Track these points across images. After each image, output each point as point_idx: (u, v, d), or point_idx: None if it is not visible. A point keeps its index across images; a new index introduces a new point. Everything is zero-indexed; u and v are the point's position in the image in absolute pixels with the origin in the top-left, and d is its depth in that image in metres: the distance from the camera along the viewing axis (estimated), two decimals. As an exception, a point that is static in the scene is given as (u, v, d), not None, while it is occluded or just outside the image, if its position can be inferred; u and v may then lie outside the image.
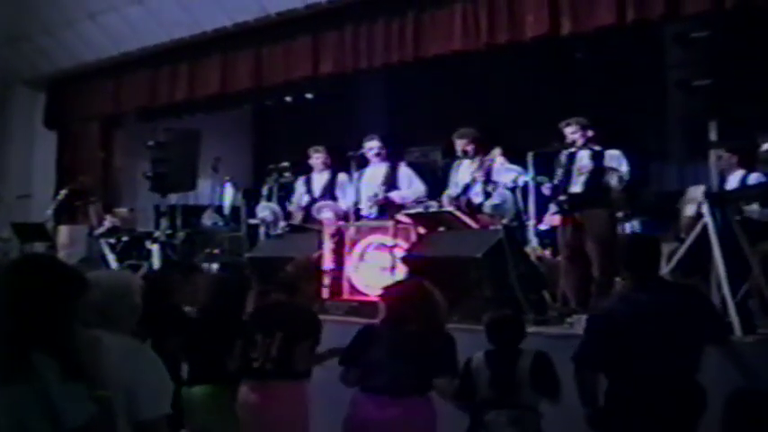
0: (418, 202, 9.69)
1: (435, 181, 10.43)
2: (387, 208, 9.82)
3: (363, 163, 10.28)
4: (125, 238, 12.53)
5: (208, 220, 13.25)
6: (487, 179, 9.17)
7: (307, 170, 11.01)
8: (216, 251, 12.13)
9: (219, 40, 13.26)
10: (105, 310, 3.75)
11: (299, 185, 10.92)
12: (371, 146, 10.11)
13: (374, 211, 9.87)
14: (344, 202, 10.28)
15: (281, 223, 10.68)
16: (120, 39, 14.03)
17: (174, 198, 12.73)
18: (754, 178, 8.31)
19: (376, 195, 9.89)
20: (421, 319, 5.38)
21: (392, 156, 10.31)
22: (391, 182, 9.99)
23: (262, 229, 11.09)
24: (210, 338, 6.06)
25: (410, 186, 9.96)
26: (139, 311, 3.93)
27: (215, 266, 11.56)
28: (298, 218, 10.74)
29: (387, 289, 5.89)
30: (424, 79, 12.65)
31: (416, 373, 5.27)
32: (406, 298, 5.52)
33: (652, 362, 4.86)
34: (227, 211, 13.23)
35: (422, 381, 5.29)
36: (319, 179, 10.73)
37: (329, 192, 10.55)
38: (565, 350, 5.33)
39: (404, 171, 10.09)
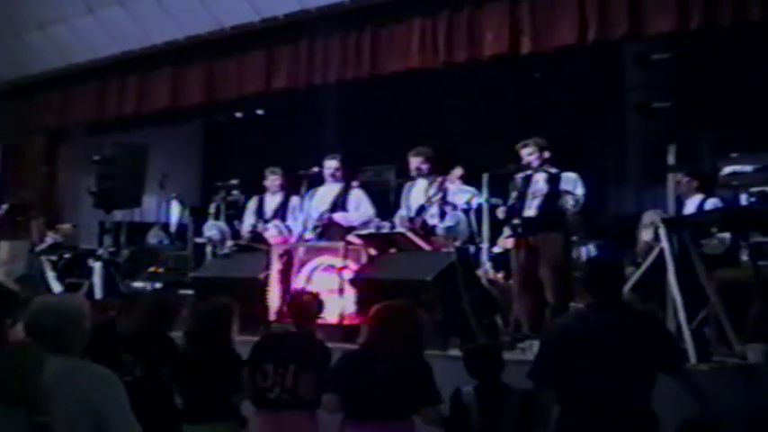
0: (365, 224, 9.65)
1: (389, 201, 10.34)
2: (330, 230, 9.76)
3: (316, 182, 10.21)
4: (67, 256, 12.34)
5: (153, 237, 13.11)
6: (445, 201, 9.15)
7: (257, 188, 10.91)
8: (160, 270, 11.96)
9: (170, 53, 13.15)
10: (57, 334, 3.82)
11: (250, 207, 10.84)
12: (329, 165, 10.05)
13: (315, 232, 9.81)
14: (295, 225, 10.21)
15: (229, 242, 10.58)
16: (69, 50, 13.90)
17: (118, 215, 12.56)
18: (711, 204, 8.28)
19: (321, 216, 9.81)
20: (397, 343, 5.36)
21: (346, 175, 10.23)
22: (340, 203, 9.93)
23: (208, 248, 10.99)
24: (208, 372, 5.94)
25: (358, 209, 9.89)
26: (89, 336, 4.00)
27: (158, 285, 11.38)
28: (246, 240, 10.62)
29: (370, 312, 5.84)
30: (379, 96, 12.62)
31: (396, 397, 5.26)
32: (384, 321, 5.49)
33: (602, 384, 4.81)
34: (173, 228, 13.14)
35: (402, 405, 5.28)
36: (272, 201, 10.66)
37: (280, 214, 10.48)
38: (517, 376, 5.31)
39: (355, 193, 10.02)
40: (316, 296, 6.69)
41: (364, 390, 5.31)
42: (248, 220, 10.75)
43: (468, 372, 5.54)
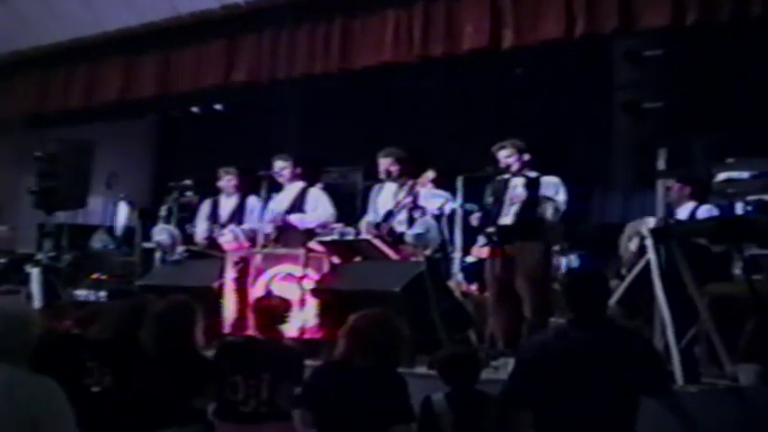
0: (323, 227, 9.67)
1: (355, 205, 10.31)
2: (287, 234, 9.80)
3: (276, 183, 10.20)
4: (2, 261, 12.23)
5: (98, 242, 13.08)
6: (415, 206, 9.15)
7: (213, 190, 10.89)
8: (104, 277, 11.85)
9: (123, 41, 12.98)
10: (1, 341, 3.93)
11: (202, 210, 10.84)
12: (277, 166, 10.07)
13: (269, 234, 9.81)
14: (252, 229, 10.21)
15: (180, 248, 10.53)
16: (10, 35, 13.74)
17: (61, 216, 12.46)
18: (704, 211, 8.28)
19: (275, 218, 9.81)
20: (373, 356, 5.35)
21: (309, 176, 10.22)
22: (298, 204, 9.94)
23: (158, 254, 10.90)
24: (171, 377, 5.91)
25: (315, 210, 9.88)
26: (35, 343, 4.07)
27: (102, 294, 11.27)
28: (201, 245, 10.61)
29: (347, 323, 5.82)
30: (347, 93, 12.60)
31: (369, 414, 5.25)
32: (361, 332, 5.47)
33: (583, 407, 4.80)
34: (119, 232, 13.05)
35: (375, 422, 5.26)
36: (227, 203, 10.66)
37: (237, 217, 10.49)
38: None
39: (313, 193, 10.05)
40: (284, 300, 6.73)
41: (337, 406, 5.31)
42: (201, 224, 10.73)
43: (443, 378, 5.60)
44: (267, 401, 5.84)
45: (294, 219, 9.82)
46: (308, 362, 6.23)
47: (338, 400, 5.31)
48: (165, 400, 5.85)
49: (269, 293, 8.19)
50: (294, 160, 10.09)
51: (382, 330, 5.46)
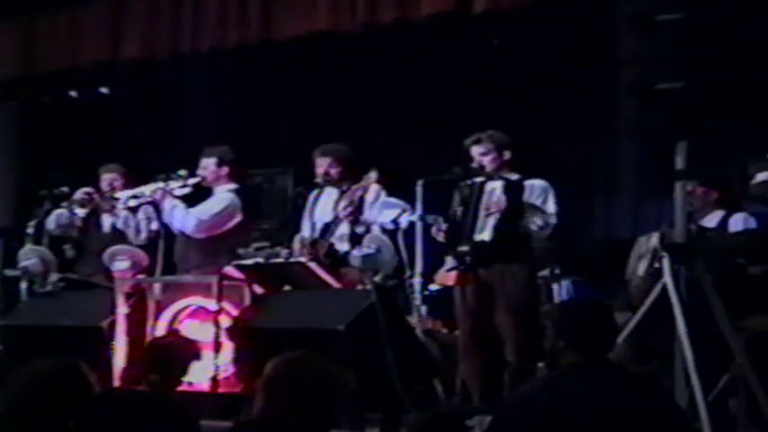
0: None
1: (285, 218, 10.30)
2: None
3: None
4: None
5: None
6: (357, 218, 9.22)
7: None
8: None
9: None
10: None
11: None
12: (200, 164, 10.10)
13: None
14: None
15: (53, 276, 10.37)
16: None
17: None
18: (736, 222, 8.32)
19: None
20: (299, 411, 5.10)
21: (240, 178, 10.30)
22: None
23: (24, 284, 10.73)
24: None
25: None
26: None
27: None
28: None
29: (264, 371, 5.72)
30: (271, 72, 12.71)
31: None
32: (282, 382, 5.23)
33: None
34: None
35: None
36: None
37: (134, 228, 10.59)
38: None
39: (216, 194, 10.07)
40: (185, 340, 6.82)
41: None
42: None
43: None
44: None
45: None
46: (224, 424, 6.16)
47: None
48: None
49: (171, 332, 8.19)
50: (220, 157, 10.05)
51: (309, 379, 5.36)
